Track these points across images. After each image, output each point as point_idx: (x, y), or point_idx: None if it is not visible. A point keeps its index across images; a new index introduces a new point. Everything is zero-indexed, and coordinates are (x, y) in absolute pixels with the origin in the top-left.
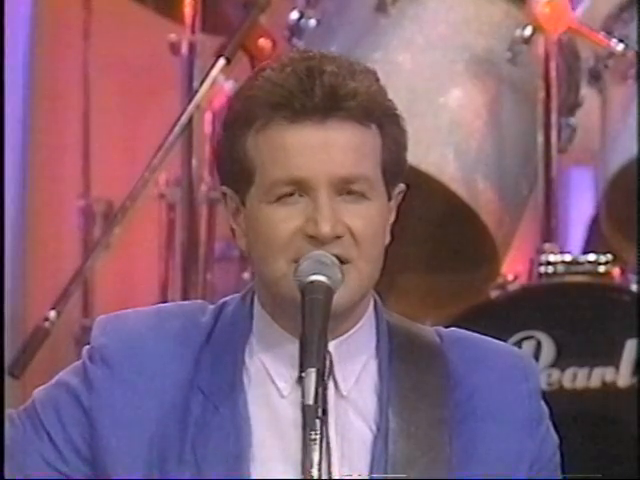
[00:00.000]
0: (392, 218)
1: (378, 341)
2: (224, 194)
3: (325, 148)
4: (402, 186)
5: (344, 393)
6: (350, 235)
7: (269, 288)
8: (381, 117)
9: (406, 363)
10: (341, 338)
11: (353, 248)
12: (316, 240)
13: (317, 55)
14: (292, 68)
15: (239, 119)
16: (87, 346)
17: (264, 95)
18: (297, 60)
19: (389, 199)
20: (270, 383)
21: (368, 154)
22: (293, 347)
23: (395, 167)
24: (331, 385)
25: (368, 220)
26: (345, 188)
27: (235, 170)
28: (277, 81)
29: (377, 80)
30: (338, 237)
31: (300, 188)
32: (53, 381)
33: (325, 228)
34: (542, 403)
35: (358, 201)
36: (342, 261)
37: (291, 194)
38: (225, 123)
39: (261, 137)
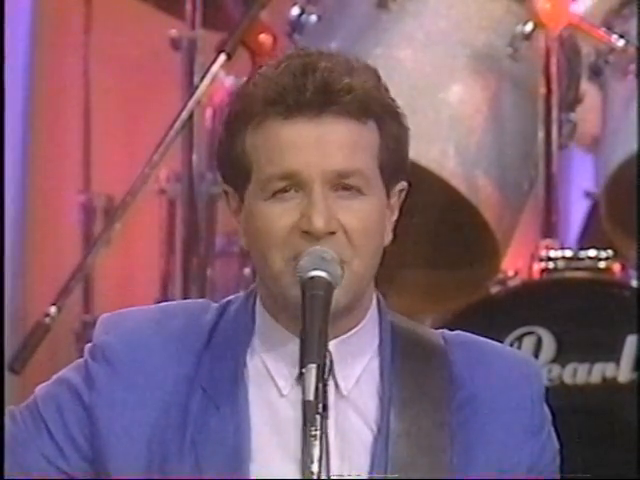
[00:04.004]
0: (394, 216)
1: (381, 341)
2: (226, 192)
3: (319, 143)
4: (404, 184)
5: (344, 393)
6: (344, 232)
7: (268, 285)
8: (379, 113)
9: (409, 364)
10: (342, 337)
11: (347, 246)
12: (310, 235)
13: (314, 53)
14: (287, 64)
15: (238, 117)
16: (89, 344)
17: (260, 92)
18: (294, 57)
19: (388, 196)
20: (270, 382)
21: (364, 149)
22: (294, 346)
23: (395, 164)
24: (331, 385)
25: (363, 216)
26: (340, 183)
27: (234, 168)
28: (272, 78)
29: (378, 78)
30: (332, 233)
31: (294, 183)
32: (55, 378)
33: (318, 223)
34: (545, 409)
35: (353, 197)
36: None
37: (286, 190)
38: (225, 121)
39: (257, 134)
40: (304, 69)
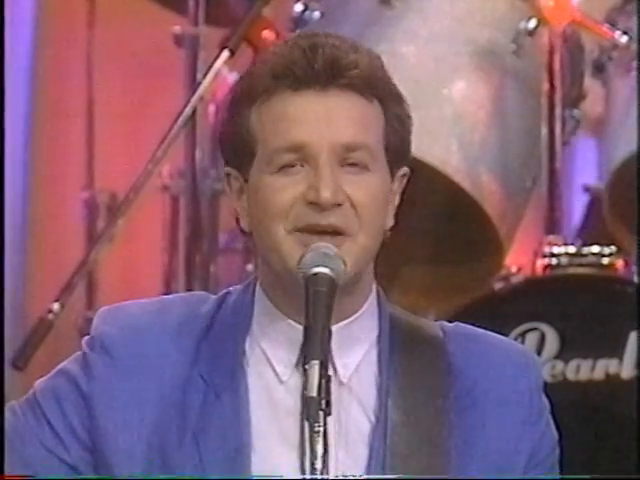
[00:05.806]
0: (396, 201)
1: (379, 331)
2: (228, 175)
3: (327, 116)
4: (406, 169)
5: (343, 380)
6: (350, 205)
7: (269, 259)
8: (384, 94)
9: (407, 354)
10: (341, 324)
11: (353, 219)
12: (316, 206)
13: (321, 33)
14: (295, 42)
15: (243, 96)
16: (87, 336)
17: (268, 67)
18: (301, 37)
19: (392, 177)
20: (269, 368)
21: (370, 126)
22: (293, 331)
23: (399, 146)
24: (330, 371)
25: (369, 191)
26: (346, 157)
27: (238, 146)
28: (281, 53)
29: (382, 62)
30: (338, 205)
31: (301, 156)
32: (54, 371)
33: (325, 194)
34: (543, 398)
35: (360, 172)
36: (341, 232)
37: (292, 165)
38: (230, 103)
39: (264, 109)
40: (313, 45)
